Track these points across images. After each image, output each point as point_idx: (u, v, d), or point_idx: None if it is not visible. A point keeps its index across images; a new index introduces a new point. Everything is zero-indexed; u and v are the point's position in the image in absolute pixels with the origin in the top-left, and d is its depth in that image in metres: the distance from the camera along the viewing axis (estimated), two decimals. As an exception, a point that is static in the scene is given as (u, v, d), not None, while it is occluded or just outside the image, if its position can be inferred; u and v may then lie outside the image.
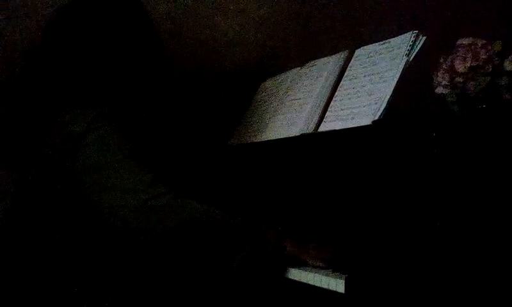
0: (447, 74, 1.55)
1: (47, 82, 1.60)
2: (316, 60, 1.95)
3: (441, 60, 1.58)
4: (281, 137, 1.85)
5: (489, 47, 1.51)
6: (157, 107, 2.13)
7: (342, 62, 1.83)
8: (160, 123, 2.20)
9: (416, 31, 1.61)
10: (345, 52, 1.85)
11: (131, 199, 1.48)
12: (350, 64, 1.77)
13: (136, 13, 1.66)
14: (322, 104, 1.79)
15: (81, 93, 1.57)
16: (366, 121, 1.55)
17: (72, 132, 1.51)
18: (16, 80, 1.67)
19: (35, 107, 1.60)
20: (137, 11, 1.67)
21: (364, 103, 1.61)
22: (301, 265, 1.52)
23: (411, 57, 1.59)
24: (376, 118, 1.53)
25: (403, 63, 1.58)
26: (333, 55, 1.88)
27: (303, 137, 1.76)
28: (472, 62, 1.50)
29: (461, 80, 1.52)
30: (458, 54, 1.53)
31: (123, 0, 1.65)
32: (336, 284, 1.37)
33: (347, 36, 2.45)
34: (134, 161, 1.52)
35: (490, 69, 1.50)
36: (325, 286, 1.40)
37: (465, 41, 1.54)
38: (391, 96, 1.54)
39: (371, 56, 1.71)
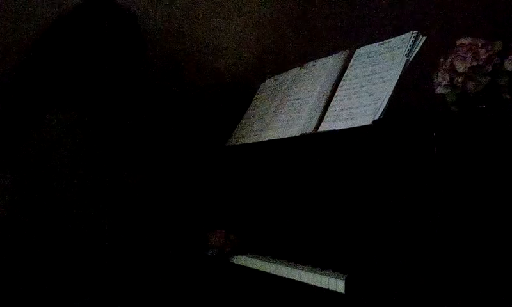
0: (447, 74, 1.55)
1: (36, 82, 1.65)
2: (316, 60, 1.95)
3: (441, 60, 1.58)
4: (281, 137, 1.85)
5: (489, 47, 1.51)
6: (143, 111, 2.16)
7: (342, 63, 1.83)
8: (149, 126, 2.22)
9: (416, 31, 1.61)
10: (345, 52, 1.85)
11: None
12: (350, 64, 1.77)
13: (121, 24, 1.72)
14: (322, 104, 1.79)
15: (66, 95, 1.63)
16: (366, 121, 1.55)
17: (50, 136, 1.57)
18: (10, 78, 1.70)
19: (25, 105, 1.64)
20: (124, 22, 1.73)
21: (364, 103, 1.61)
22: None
23: (411, 57, 1.59)
24: (376, 117, 1.53)
25: (403, 63, 1.58)
26: (333, 55, 1.88)
27: (303, 137, 1.76)
28: (471, 62, 1.50)
29: (461, 80, 1.52)
30: (458, 54, 1.53)
31: (110, 13, 1.71)
32: (336, 284, 1.37)
33: (347, 36, 2.45)
34: None
35: (490, 69, 1.50)
36: (325, 286, 1.40)
37: (465, 41, 1.54)
38: (391, 96, 1.55)
39: (371, 56, 1.71)
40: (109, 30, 1.68)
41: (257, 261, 1.69)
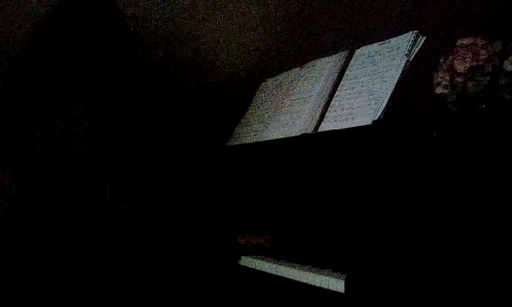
0: (447, 74, 1.55)
1: (37, 79, 1.64)
2: (316, 60, 1.95)
3: (441, 60, 1.58)
4: (281, 137, 1.85)
5: (489, 47, 1.51)
6: (145, 109, 2.16)
7: (342, 63, 1.83)
8: (150, 124, 2.21)
9: (416, 31, 1.61)
10: (345, 52, 1.85)
11: None
12: (350, 64, 1.77)
13: (115, 20, 1.73)
14: (322, 104, 1.79)
15: (69, 91, 1.63)
16: (366, 121, 1.55)
17: (56, 133, 1.56)
18: (8, 77, 1.71)
19: (26, 104, 1.64)
20: (116, 18, 1.73)
21: (364, 103, 1.61)
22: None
23: (411, 57, 1.59)
24: (376, 117, 1.53)
25: (403, 63, 1.58)
26: (333, 55, 1.88)
27: (303, 137, 1.76)
28: (471, 62, 1.50)
29: (461, 80, 1.52)
30: (458, 54, 1.53)
31: (103, 8, 1.71)
32: (336, 284, 1.37)
33: (347, 36, 2.45)
34: None
35: (490, 69, 1.50)
36: (325, 286, 1.40)
37: (465, 41, 1.54)
38: (391, 96, 1.55)
39: (371, 56, 1.71)
40: (99, 19, 1.68)
41: (257, 261, 1.69)
